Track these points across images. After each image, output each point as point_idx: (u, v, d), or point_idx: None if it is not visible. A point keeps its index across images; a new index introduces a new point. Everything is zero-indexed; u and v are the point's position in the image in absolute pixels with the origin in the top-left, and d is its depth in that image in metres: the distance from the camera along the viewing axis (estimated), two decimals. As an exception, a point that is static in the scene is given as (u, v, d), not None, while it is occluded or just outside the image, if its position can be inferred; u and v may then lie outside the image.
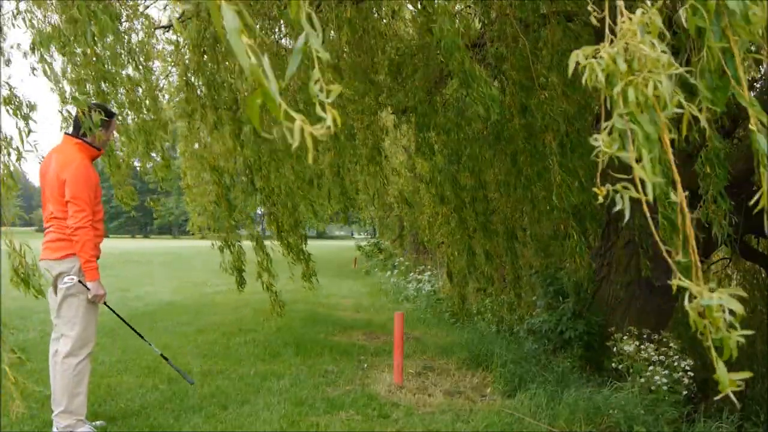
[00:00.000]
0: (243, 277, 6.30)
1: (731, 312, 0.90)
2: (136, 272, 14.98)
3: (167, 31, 6.77)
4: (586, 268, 4.11)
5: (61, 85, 5.04)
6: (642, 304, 5.55)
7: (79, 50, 4.00)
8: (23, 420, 3.44)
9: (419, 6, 4.70)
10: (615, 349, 4.76)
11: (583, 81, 1.02)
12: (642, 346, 4.61)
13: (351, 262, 20.11)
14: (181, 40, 6.12)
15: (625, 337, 4.82)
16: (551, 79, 4.21)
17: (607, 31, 1.01)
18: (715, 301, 0.90)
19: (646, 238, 4.85)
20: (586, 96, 4.64)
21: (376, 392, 4.44)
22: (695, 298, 0.92)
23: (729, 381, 0.91)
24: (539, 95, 4.20)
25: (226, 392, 4.32)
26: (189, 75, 5.21)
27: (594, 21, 1.09)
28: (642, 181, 0.94)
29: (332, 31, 4.98)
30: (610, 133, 0.99)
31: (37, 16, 4.94)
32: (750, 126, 1.02)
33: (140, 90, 5.14)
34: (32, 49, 4.59)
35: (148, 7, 6.29)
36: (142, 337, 4.03)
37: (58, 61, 5.01)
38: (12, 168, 2.49)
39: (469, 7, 5.60)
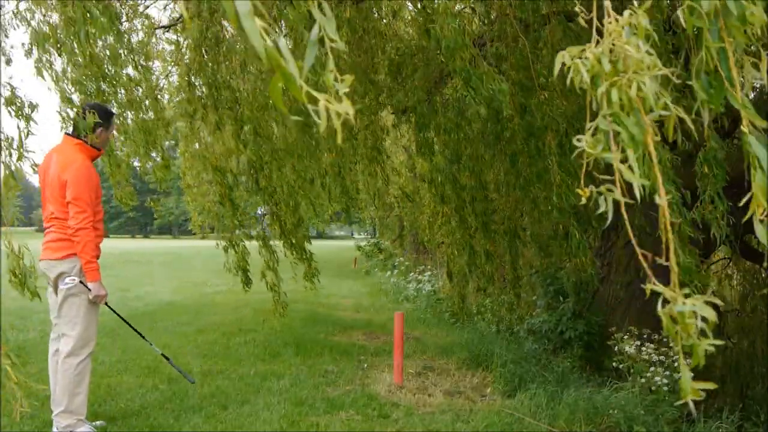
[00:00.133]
0: (248, 276, 6.31)
1: (704, 319, 0.89)
2: (136, 272, 14.98)
3: (167, 31, 6.78)
4: (590, 265, 4.12)
5: (60, 85, 5.04)
6: (642, 304, 5.55)
7: (78, 50, 4.00)
8: (23, 420, 3.44)
9: (419, 6, 4.69)
10: (616, 348, 4.76)
11: (568, 81, 1.02)
12: (642, 347, 4.61)
13: (351, 262, 20.11)
14: (181, 39, 6.13)
15: (625, 337, 4.82)
16: (551, 80, 4.20)
17: (594, 31, 1.01)
18: (687, 307, 0.89)
19: (645, 238, 4.84)
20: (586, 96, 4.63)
21: (376, 392, 4.44)
22: (668, 302, 0.91)
23: (691, 390, 0.90)
24: (539, 95, 4.19)
25: (226, 392, 4.32)
26: (191, 75, 5.21)
27: (582, 22, 1.08)
28: (628, 183, 0.94)
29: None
30: (594, 134, 0.99)
31: (36, 16, 4.95)
32: (742, 128, 1.01)
33: (140, 90, 5.14)
34: (29, 50, 4.60)
35: (148, 7, 6.30)
36: (142, 337, 4.04)
37: (58, 61, 5.01)
38: (13, 167, 2.49)
39: (470, 7, 5.60)
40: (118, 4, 4.80)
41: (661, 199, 0.95)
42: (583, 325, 5.88)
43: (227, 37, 5.07)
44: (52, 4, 4.70)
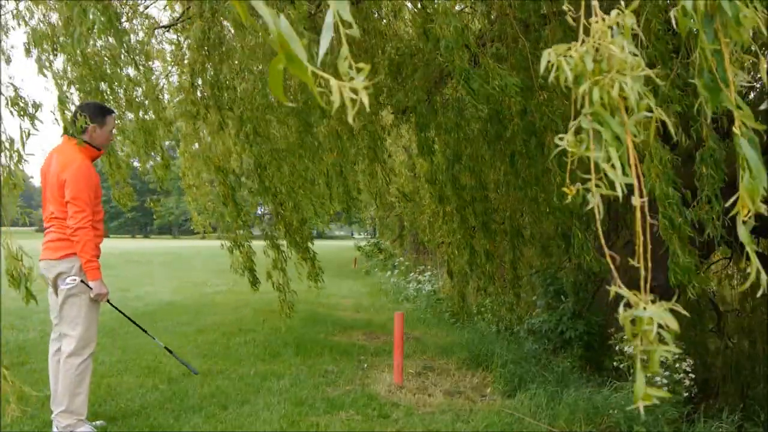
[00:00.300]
0: (255, 276, 6.31)
1: (663, 327, 0.89)
2: (136, 272, 14.98)
3: (167, 31, 6.77)
4: (596, 263, 4.12)
5: (59, 83, 5.04)
6: (642, 304, 5.54)
7: (78, 50, 3.99)
8: (23, 420, 3.45)
9: (419, 6, 4.69)
10: (616, 348, 4.76)
11: (550, 79, 1.01)
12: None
13: (351, 262, 20.10)
14: (182, 39, 6.13)
15: (625, 337, 4.82)
16: (551, 80, 4.19)
17: (580, 30, 1.01)
18: (646, 313, 0.89)
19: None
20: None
21: (376, 392, 4.44)
22: (630, 307, 0.91)
23: (644, 395, 0.89)
24: (539, 96, 4.19)
25: (226, 392, 4.32)
26: (194, 76, 5.21)
27: (570, 20, 1.08)
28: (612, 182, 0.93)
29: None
30: (577, 133, 0.99)
31: (35, 16, 4.95)
32: (734, 129, 1.01)
33: (140, 90, 5.13)
34: (27, 49, 4.60)
35: (148, 7, 6.29)
36: (145, 332, 4.05)
37: (58, 61, 5.01)
38: (12, 168, 2.49)
39: (471, 7, 5.60)
40: (117, 4, 4.79)
41: (636, 200, 0.94)
42: (583, 325, 5.88)
43: (228, 37, 5.08)
44: (51, 4, 4.70)
